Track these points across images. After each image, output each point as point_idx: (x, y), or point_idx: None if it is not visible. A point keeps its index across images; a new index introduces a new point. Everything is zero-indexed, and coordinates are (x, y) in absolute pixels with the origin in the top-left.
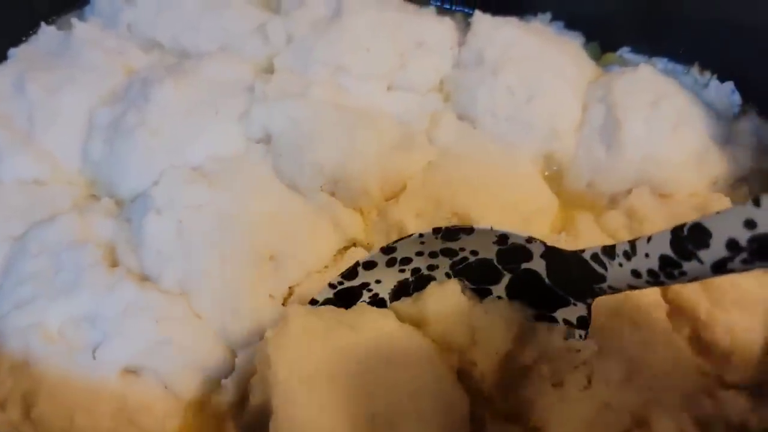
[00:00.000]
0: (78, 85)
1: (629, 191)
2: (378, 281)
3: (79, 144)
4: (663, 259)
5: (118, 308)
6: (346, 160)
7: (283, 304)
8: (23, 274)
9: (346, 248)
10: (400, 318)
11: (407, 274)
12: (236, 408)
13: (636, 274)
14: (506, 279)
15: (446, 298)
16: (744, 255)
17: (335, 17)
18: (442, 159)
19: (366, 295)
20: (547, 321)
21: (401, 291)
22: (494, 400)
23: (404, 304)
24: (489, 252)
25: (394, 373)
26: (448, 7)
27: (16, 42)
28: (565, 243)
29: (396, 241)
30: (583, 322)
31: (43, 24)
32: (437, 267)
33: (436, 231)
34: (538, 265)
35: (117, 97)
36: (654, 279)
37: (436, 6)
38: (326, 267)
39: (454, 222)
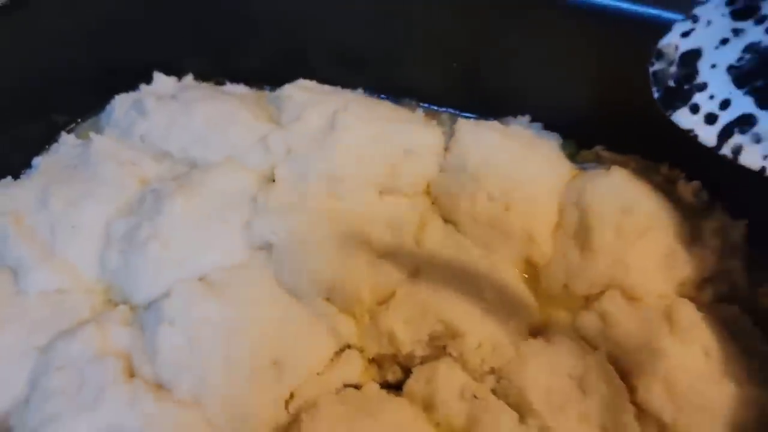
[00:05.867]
0: (96, 197)
1: (602, 293)
2: None
3: (96, 254)
4: None
5: (139, 422)
6: (339, 269)
7: (285, 408)
8: (49, 389)
9: (341, 350)
10: (413, 399)
11: None
12: None
13: None
14: None
15: (452, 383)
16: None
17: (330, 130)
18: (428, 264)
19: None
20: None
21: None
22: None
23: (417, 384)
24: None
25: None
26: (436, 108)
27: (39, 150)
28: (540, 347)
29: None
30: None
31: (63, 133)
32: None
33: None
34: None
35: (131, 209)
36: None
37: (425, 108)
38: (323, 369)
39: (439, 330)
